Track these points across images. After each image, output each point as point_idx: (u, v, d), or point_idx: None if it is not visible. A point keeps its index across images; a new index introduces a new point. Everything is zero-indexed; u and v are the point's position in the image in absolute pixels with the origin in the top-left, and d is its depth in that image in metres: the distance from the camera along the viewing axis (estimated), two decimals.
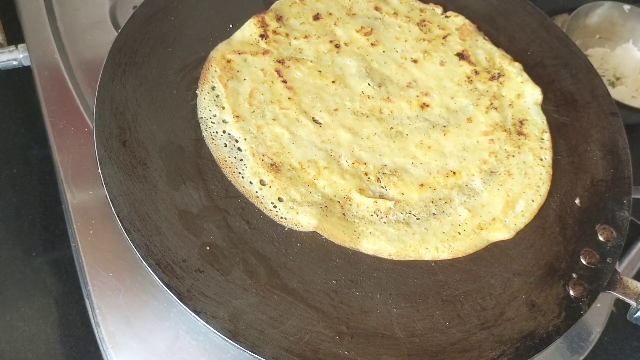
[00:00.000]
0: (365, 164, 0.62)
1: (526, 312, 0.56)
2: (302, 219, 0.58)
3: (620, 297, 0.59)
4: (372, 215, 0.60)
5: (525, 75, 0.72)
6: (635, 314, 0.58)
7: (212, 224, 0.57)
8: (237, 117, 0.63)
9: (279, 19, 0.72)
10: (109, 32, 0.75)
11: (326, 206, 0.59)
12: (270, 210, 0.58)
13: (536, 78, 0.72)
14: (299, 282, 0.55)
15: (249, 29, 0.70)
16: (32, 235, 0.76)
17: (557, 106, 0.71)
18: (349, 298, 0.55)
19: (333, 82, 0.68)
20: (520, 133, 0.67)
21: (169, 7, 0.71)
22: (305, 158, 0.62)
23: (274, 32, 0.70)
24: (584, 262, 0.60)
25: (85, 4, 0.78)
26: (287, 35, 0.70)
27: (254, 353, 0.50)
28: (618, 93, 1.00)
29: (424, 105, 0.67)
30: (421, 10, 0.77)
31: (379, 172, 0.62)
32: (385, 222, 0.59)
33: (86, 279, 0.58)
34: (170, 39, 0.68)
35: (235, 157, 0.61)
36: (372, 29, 0.73)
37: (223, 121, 0.63)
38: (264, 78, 0.67)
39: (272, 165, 0.61)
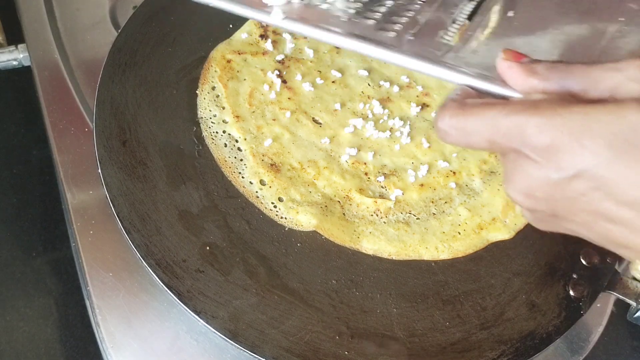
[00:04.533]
0: (365, 164, 0.62)
1: (526, 312, 0.56)
2: (302, 219, 0.58)
3: (620, 297, 0.59)
4: (372, 215, 0.60)
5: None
6: (635, 314, 0.58)
7: (212, 224, 0.57)
8: (237, 117, 0.63)
9: None
10: (109, 32, 0.75)
11: (326, 206, 0.59)
12: (270, 210, 0.58)
13: None
14: (299, 282, 0.55)
15: (249, 29, 0.70)
16: (32, 235, 0.76)
17: None
18: (349, 298, 0.55)
19: (333, 82, 0.68)
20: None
21: (169, 7, 0.71)
22: (305, 158, 0.62)
23: (274, 32, 0.70)
24: (584, 262, 0.60)
25: (85, 4, 0.78)
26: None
27: (254, 353, 0.50)
28: None
29: (424, 106, 0.67)
30: None
31: (379, 172, 0.62)
32: (385, 222, 0.59)
33: (86, 279, 0.58)
34: (170, 39, 0.68)
35: (235, 157, 0.61)
36: None
37: (223, 121, 0.63)
38: (264, 78, 0.67)
39: (272, 165, 0.61)
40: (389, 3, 0.53)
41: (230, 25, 0.71)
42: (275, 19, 0.49)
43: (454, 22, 0.52)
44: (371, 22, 0.51)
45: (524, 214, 0.44)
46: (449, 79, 0.46)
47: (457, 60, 0.47)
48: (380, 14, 0.52)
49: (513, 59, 0.42)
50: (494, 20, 0.52)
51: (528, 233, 0.61)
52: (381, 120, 0.66)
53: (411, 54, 0.47)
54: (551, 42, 0.50)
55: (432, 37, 0.50)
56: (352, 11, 0.51)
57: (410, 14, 0.52)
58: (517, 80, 0.41)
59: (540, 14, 0.53)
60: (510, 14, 0.52)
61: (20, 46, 0.73)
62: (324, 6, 0.51)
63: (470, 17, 0.53)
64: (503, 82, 0.43)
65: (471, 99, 0.42)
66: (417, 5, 0.53)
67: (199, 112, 0.63)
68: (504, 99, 0.42)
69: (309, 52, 0.69)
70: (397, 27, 0.50)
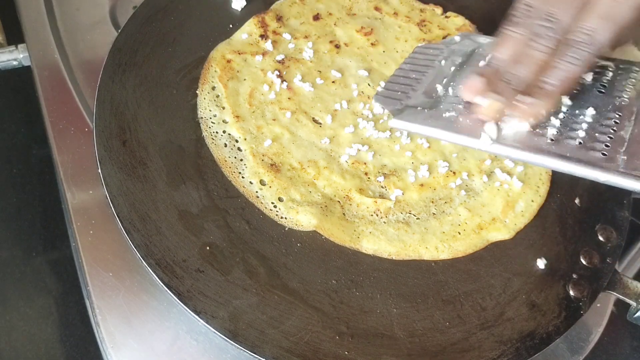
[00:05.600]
0: (365, 163, 0.62)
1: (526, 312, 0.56)
2: (302, 219, 0.58)
3: (620, 297, 0.59)
4: (372, 215, 0.60)
5: None
6: (635, 314, 0.58)
7: (212, 224, 0.57)
8: (237, 117, 0.63)
9: (279, 19, 0.72)
10: (109, 32, 0.75)
11: (326, 206, 0.59)
12: (270, 210, 0.58)
13: None
14: (299, 282, 0.55)
15: (249, 29, 0.70)
16: (32, 235, 0.76)
17: None
18: (349, 298, 0.55)
19: (333, 82, 0.68)
20: None
21: (169, 7, 0.71)
22: (305, 158, 0.62)
23: (274, 32, 0.70)
24: (584, 262, 0.60)
25: (85, 4, 0.78)
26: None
27: (254, 353, 0.50)
28: None
29: None
30: (421, 11, 0.77)
31: (379, 172, 0.62)
32: (385, 222, 0.59)
33: (86, 279, 0.58)
34: (170, 39, 0.68)
35: (235, 157, 0.61)
36: (372, 29, 0.73)
37: (223, 121, 0.63)
38: (264, 78, 0.67)
39: (272, 165, 0.61)
40: (588, 120, 0.53)
41: (230, 25, 0.71)
42: (484, 144, 0.52)
43: None
44: (577, 141, 0.51)
45: None
46: None
47: None
48: (583, 132, 0.52)
49: None
50: None
51: (528, 233, 0.61)
52: (381, 121, 0.66)
53: (631, 176, 0.48)
54: None
55: None
56: (555, 132, 0.52)
57: (614, 130, 0.52)
58: None
59: None
60: None
61: (20, 46, 0.74)
62: (527, 129, 0.52)
63: None
64: None
65: None
66: (616, 120, 0.53)
67: (199, 112, 0.63)
68: None
69: (309, 53, 0.69)
70: (605, 145, 0.50)
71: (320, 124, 0.65)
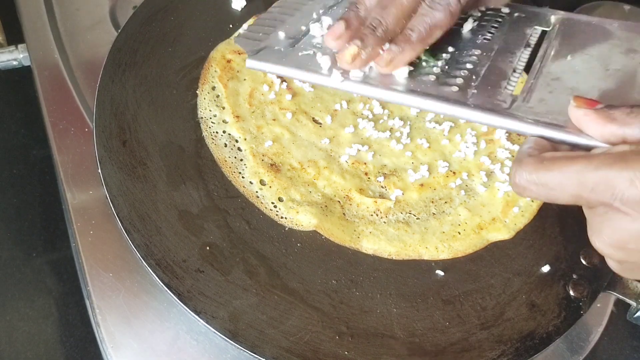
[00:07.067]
0: (365, 163, 0.62)
1: (526, 312, 0.56)
2: (303, 219, 0.58)
3: (620, 297, 0.59)
4: (372, 215, 0.60)
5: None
6: (635, 314, 0.58)
7: (212, 224, 0.57)
8: (237, 117, 0.63)
9: None
10: (109, 32, 0.75)
11: (326, 206, 0.59)
12: (270, 210, 0.58)
13: None
14: (299, 282, 0.55)
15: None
16: (32, 235, 0.76)
17: None
18: (349, 298, 0.55)
19: None
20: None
21: (169, 7, 0.71)
22: (305, 158, 0.62)
23: None
24: (584, 262, 0.60)
25: (85, 4, 0.78)
26: None
27: (254, 353, 0.50)
28: None
29: None
30: None
31: (379, 172, 0.62)
32: (385, 222, 0.59)
33: (86, 279, 0.58)
34: (170, 39, 0.68)
35: (235, 157, 0.61)
36: None
37: (223, 121, 0.63)
38: (264, 78, 0.67)
39: (272, 165, 0.61)
40: (446, 56, 0.54)
41: (230, 25, 0.71)
42: (334, 81, 0.51)
43: (514, 71, 0.52)
44: (431, 77, 0.51)
45: (610, 264, 0.43)
46: (521, 131, 0.45)
47: (525, 111, 0.47)
48: (439, 68, 0.52)
49: (586, 105, 0.41)
50: (555, 66, 0.51)
51: (528, 233, 0.61)
52: (381, 121, 0.66)
53: (478, 108, 0.47)
54: (618, 84, 0.48)
55: (495, 88, 0.50)
56: (411, 68, 0.52)
57: (469, 66, 0.52)
58: (594, 128, 0.40)
59: (601, 55, 0.51)
60: (569, 57, 0.51)
61: (20, 46, 0.73)
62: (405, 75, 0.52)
63: (528, 64, 0.52)
64: (578, 131, 0.42)
65: (549, 153, 0.41)
66: (474, 57, 0.53)
67: (199, 112, 0.63)
68: (580, 147, 0.42)
69: None
70: (459, 80, 0.50)
71: (320, 124, 0.65)
